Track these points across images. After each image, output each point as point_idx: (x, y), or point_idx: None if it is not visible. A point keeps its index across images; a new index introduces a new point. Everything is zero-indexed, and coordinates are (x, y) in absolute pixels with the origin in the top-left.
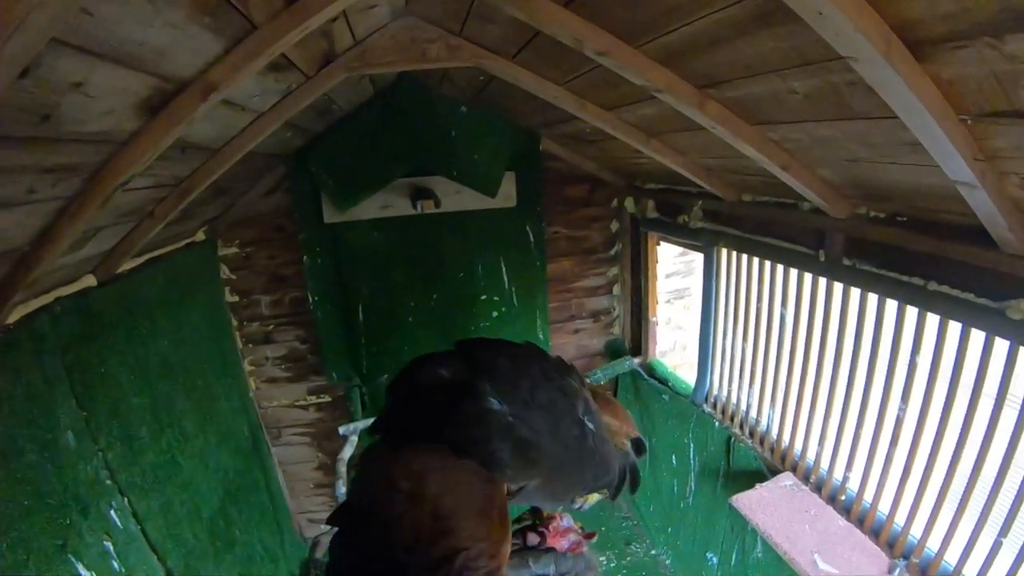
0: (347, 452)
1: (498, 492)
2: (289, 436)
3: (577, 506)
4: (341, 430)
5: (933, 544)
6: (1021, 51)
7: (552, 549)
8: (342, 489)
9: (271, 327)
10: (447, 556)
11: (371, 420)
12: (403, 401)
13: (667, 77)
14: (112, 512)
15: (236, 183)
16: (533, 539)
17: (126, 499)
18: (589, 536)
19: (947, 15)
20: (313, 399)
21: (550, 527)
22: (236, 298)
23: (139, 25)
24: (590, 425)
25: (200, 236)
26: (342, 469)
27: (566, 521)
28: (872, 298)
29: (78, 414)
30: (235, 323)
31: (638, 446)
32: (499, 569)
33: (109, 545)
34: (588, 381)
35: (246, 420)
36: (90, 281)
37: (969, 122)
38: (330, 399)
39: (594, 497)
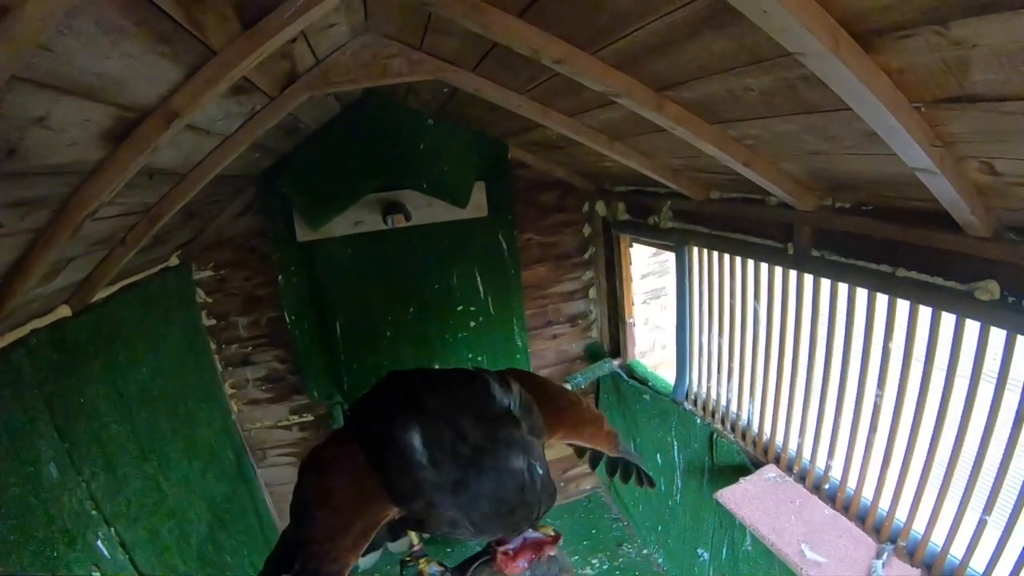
0: None
1: (375, 509)
2: (274, 457)
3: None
4: None
5: (919, 526)
6: (967, 36)
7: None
8: None
9: (250, 349)
10: (301, 539)
11: None
12: (367, 401)
13: (624, 81)
14: (99, 543)
15: (207, 207)
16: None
17: (113, 529)
18: (555, 539)
19: (889, 5)
20: (296, 419)
21: (497, 558)
22: (213, 321)
23: (97, 58)
24: (529, 476)
25: (174, 261)
26: None
27: (516, 541)
28: (843, 288)
29: (60, 446)
30: (214, 346)
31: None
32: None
33: None
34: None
35: (230, 443)
36: (65, 312)
37: (923, 109)
38: (313, 418)
39: None
